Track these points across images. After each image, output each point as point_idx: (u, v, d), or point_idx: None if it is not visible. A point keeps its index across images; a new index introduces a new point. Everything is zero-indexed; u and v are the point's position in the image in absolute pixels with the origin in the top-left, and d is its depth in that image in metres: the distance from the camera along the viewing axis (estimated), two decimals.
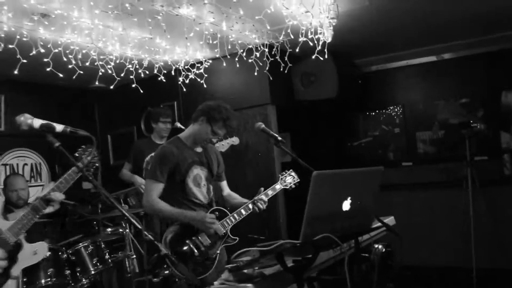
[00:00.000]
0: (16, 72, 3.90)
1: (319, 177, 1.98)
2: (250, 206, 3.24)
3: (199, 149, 3.37)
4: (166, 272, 2.84)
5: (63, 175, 2.36)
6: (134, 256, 4.15)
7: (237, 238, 3.20)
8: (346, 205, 2.19)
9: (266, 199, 3.27)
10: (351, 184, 2.22)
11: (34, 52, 3.86)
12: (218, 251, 3.15)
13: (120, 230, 4.34)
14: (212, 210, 3.27)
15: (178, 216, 3.12)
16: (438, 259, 5.72)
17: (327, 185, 2.07)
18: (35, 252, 2.32)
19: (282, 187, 3.43)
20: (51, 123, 1.98)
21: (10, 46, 3.70)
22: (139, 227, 1.81)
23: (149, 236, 1.76)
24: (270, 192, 3.33)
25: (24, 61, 3.81)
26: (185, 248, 3.04)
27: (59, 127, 1.98)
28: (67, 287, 3.74)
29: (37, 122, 2.00)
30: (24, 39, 3.78)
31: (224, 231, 3.18)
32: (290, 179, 3.45)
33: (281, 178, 3.44)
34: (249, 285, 2.16)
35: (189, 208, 3.23)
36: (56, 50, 4.00)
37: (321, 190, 2.02)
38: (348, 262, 2.35)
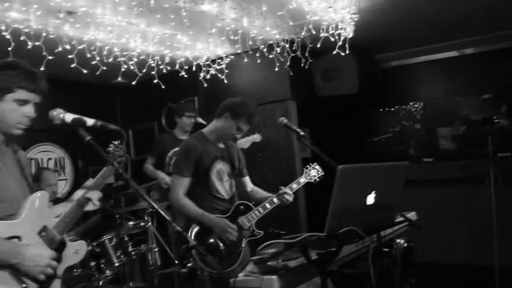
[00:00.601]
0: (42, 68, 3.98)
1: (344, 171, 2.00)
2: (275, 199, 3.23)
3: (221, 145, 3.38)
4: (194, 263, 2.85)
5: (99, 172, 2.29)
6: (157, 249, 4.20)
7: (262, 232, 3.19)
8: (370, 199, 2.21)
9: (290, 192, 3.25)
10: (376, 178, 2.24)
11: (60, 48, 3.94)
12: (243, 245, 3.15)
13: (142, 223, 4.39)
14: (237, 204, 3.28)
15: (201, 217, 3.12)
16: (459, 257, 5.67)
17: (352, 179, 2.09)
18: (76, 251, 2.24)
19: (307, 181, 3.39)
20: (82, 117, 2.01)
21: (37, 43, 3.78)
22: (168, 218, 1.84)
23: (178, 227, 1.79)
24: (294, 186, 3.31)
25: (50, 57, 3.89)
26: (210, 241, 3.06)
27: (90, 121, 2.02)
28: (91, 278, 3.81)
29: (69, 117, 2.03)
30: (51, 36, 3.86)
31: (249, 225, 3.19)
32: (314, 172, 3.41)
33: (305, 172, 3.41)
34: (274, 277, 2.18)
35: (212, 202, 3.24)
36: (81, 47, 4.07)
37: (346, 184, 2.04)
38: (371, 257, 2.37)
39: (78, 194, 2.27)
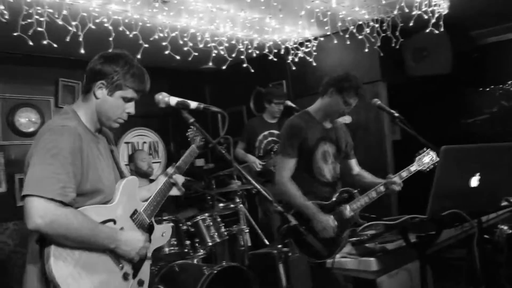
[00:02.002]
0: (138, 56, 4.19)
1: (448, 151, 1.93)
2: (382, 188, 3.04)
3: (328, 125, 3.25)
4: (290, 244, 2.84)
5: (182, 156, 2.43)
6: (248, 230, 4.29)
7: (366, 222, 2.90)
8: (474, 182, 2.12)
9: (400, 181, 3.02)
10: (480, 160, 2.13)
11: (156, 36, 4.11)
12: (345, 235, 2.97)
13: (232, 205, 4.49)
14: (341, 191, 3.15)
15: (304, 208, 3.00)
16: None
17: (456, 160, 2.01)
18: (163, 233, 2.38)
19: (419, 169, 3.08)
20: (186, 100, 2.08)
21: (134, 32, 3.97)
22: (270, 199, 1.86)
23: (279, 207, 1.81)
24: (404, 174, 3.06)
25: (146, 45, 4.08)
26: (309, 225, 2.95)
27: (193, 104, 2.08)
28: (186, 256, 3.98)
29: (173, 100, 2.10)
30: (147, 25, 4.04)
31: (353, 214, 3.04)
32: (428, 159, 3.07)
33: (417, 158, 3.10)
34: (371, 259, 2.17)
35: (315, 187, 3.13)
36: (173, 34, 4.22)
37: (449, 165, 1.97)
38: (472, 242, 2.28)
39: (162, 179, 2.38)
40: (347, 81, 3.04)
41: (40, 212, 1.71)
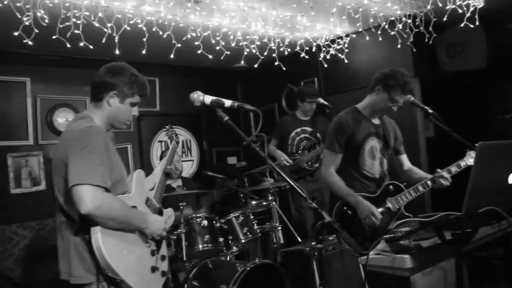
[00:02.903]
0: (172, 56, 4.26)
1: (484, 147, 1.91)
2: (429, 182, 3.03)
3: (376, 121, 3.26)
4: (330, 239, 2.85)
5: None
6: (280, 227, 4.31)
7: (411, 215, 2.97)
8: None
9: (448, 176, 3.01)
10: None
11: (188, 36, 4.17)
12: (390, 227, 2.92)
13: (265, 202, 4.52)
14: (387, 184, 3.16)
15: (347, 196, 3.05)
16: None
17: (493, 156, 1.99)
18: (169, 216, 2.67)
19: (469, 165, 3.05)
20: (220, 99, 2.11)
21: (167, 33, 4.04)
22: (304, 195, 1.88)
23: (313, 204, 1.82)
24: (453, 169, 3.05)
25: (179, 45, 4.14)
26: (355, 221, 2.97)
27: (227, 103, 2.11)
28: (220, 253, 4.03)
29: (208, 99, 2.14)
30: (180, 25, 4.10)
31: (398, 207, 3.04)
32: None
33: (468, 153, 3.08)
34: (406, 256, 2.16)
35: (361, 182, 3.16)
36: (206, 34, 4.27)
37: (486, 161, 1.95)
38: (510, 240, 2.24)
39: (157, 171, 2.78)
40: (393, 78, 3.03)
41: (90, 197, 1.98)
